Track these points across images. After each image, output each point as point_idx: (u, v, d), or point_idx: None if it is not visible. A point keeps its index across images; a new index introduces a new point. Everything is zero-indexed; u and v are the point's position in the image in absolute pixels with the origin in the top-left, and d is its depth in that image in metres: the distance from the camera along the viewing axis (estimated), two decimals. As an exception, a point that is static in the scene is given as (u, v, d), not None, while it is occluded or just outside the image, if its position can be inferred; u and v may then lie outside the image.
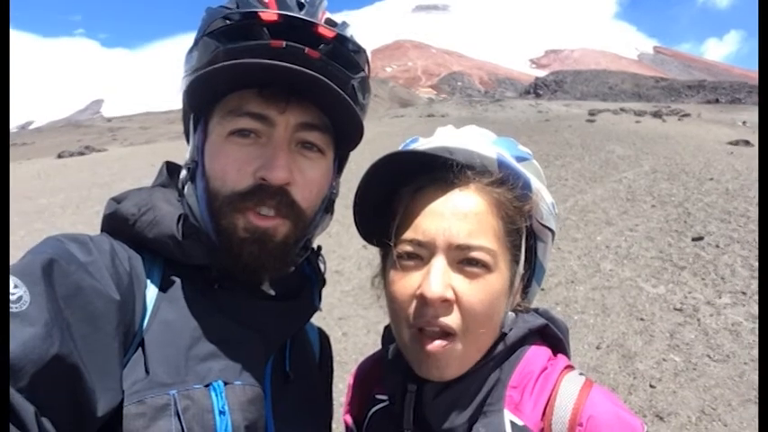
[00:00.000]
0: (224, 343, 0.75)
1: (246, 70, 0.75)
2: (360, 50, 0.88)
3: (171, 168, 0.95)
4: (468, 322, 0.76)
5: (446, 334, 0.76)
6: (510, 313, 0.83)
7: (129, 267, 0.74)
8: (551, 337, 0.88)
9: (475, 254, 0.77)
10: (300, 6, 0.84)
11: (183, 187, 0.87)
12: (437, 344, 0.75)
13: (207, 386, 0.70)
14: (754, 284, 5.25)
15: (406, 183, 0.84)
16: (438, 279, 0.75)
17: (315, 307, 0.94)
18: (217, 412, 0.69)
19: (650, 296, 5.40)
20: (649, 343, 4.56)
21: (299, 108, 0.80)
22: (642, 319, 4.94)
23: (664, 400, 3.80)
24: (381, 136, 15.62)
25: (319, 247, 1.00)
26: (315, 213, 0.87)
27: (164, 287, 0.78)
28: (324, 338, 1.08)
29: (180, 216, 0.81)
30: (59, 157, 23.08)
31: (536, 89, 58.99)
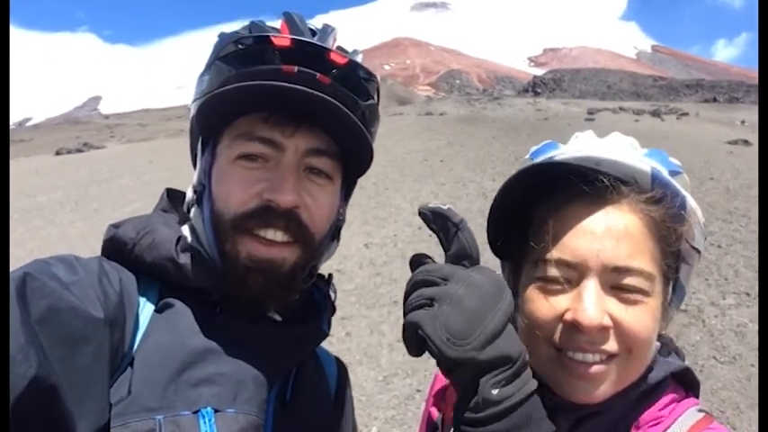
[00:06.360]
0: (220, 368, 0.73)
1: (258, 92, 0.75)
2: (371, 78, 0.87)
3: (172, 195, 0.94)
4: (630, 346, 0.71)
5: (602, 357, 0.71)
6: (656, 342, 0.77)
7: (119, 288, 0.73)
8: (688, 380, 0.82)
9: (632, 279, 0.70)
10: (313, 33, 0.84)
11: (189, 210, 0.86)
12: (595, 369, 0.70)
13: (195, 413, 0.68)
14: (758, 285, 5.21)
15: (544, 194, 0.78)
16: (593, 305, 0.69)
17: (324, 333, 0.91)
18: None
19: (653, 296, 5.36)
20: (653, 344, 4.52)
21: (308, 133, 0.80)
22: (645, 320, 4.90)
23: (668, 401, 3.76)
24: (380, 135, 15.47)
25: (330, 275, 0.98)
26: (322, 239, 0.85)
27: (160, 308, 0.77)
28: (342, 369, 1.05)
29: (179, 238, 0.81)
30: (57, 154, 23.01)
31: (534, 87, 59.05)
